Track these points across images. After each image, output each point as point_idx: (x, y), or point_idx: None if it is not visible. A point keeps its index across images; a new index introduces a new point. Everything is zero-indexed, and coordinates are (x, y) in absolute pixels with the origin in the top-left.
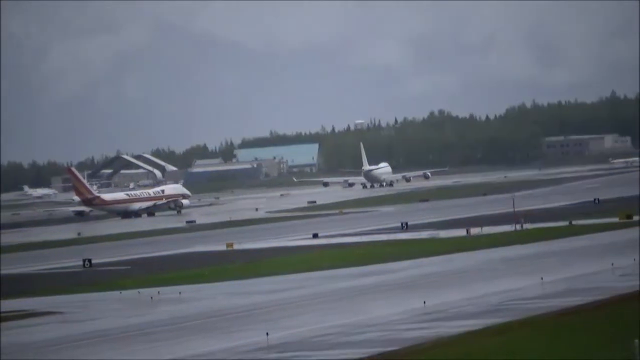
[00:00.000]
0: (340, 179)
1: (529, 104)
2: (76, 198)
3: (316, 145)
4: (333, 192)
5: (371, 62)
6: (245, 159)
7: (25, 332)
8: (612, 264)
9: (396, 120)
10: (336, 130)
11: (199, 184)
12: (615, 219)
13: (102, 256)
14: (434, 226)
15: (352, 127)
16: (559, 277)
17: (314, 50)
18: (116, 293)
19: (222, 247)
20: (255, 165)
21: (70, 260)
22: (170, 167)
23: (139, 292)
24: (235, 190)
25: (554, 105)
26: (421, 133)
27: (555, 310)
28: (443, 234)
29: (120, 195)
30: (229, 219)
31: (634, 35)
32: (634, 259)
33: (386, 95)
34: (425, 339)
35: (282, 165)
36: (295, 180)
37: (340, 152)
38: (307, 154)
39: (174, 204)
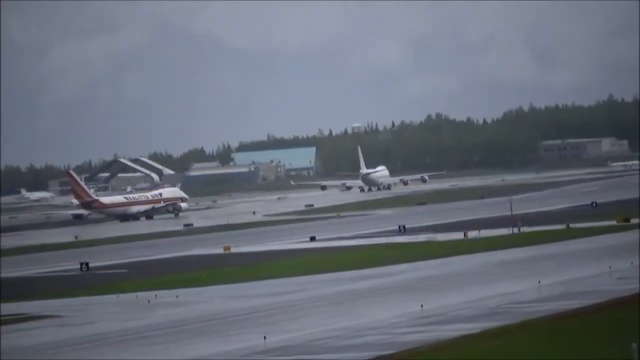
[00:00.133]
0: (338, 183)
1: (526, 107)
2: (75, 201)
3: (313, 149)
4: (330, 195)
5: (370, 63)
6: (242, 162)
7: (24, 335)
8: (610, 267)
9: (393, 124)
10: (333, 134)
11: (197, 188)
12: (613, 222)
13: (100, 259)
14: (432, 229)
15: (349, 131)
16: (556, 281)
17: (313, 50)
18: (114, 296)
19: (220, 251)
20: (252, 169)
21: (68, 264)
22: (167, 171)
23: (136, 296)
24: (232, 194)
25: (551, 108)
26: (418, 136)
27: (553, 314)
28: (440, 237)
29: (119, 198)
30: (226, 222)
31: (633, 37)
32: (632, 263)
33: (384, 98)
34: (423, 343)
35: (279, 169)
36: (292, 183)
37: (337, 155)
38: (305, 158)
39: (172, 207)
